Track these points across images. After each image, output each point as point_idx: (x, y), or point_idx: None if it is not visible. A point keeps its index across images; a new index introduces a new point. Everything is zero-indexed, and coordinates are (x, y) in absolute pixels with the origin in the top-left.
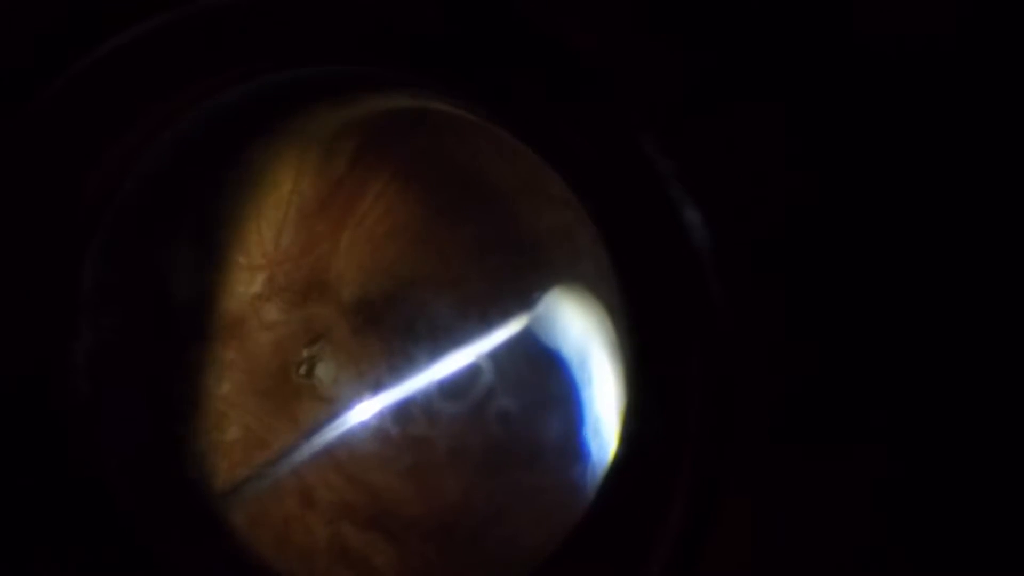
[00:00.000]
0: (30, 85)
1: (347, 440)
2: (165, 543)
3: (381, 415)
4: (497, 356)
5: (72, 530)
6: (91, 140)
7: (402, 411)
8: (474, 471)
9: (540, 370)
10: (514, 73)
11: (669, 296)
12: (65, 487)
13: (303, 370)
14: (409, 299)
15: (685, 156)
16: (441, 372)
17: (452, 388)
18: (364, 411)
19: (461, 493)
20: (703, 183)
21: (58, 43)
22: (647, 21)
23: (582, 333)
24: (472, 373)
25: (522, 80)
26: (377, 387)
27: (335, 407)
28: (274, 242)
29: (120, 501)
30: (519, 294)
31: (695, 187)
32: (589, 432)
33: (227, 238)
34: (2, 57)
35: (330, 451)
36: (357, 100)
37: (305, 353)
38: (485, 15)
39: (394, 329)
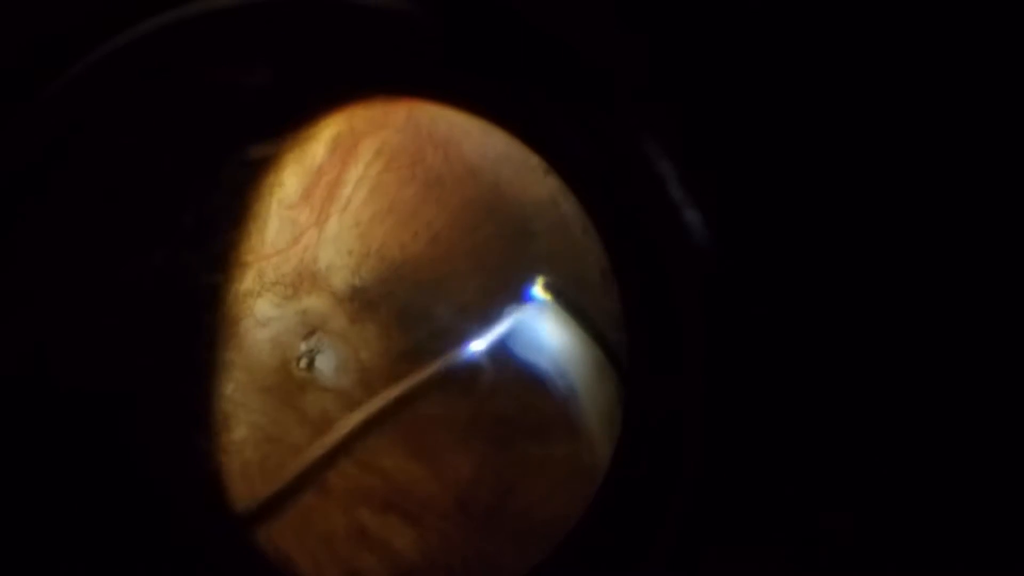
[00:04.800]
0: (30, 85)
1: (356, 426)
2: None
3: (387, 398)
4: (499, 330)
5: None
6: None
7: (407, 393)
8: (484, 445)
9: (543, 343)
10: (514, 73)
11: (668, 296)
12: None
13: (303, 364)
14: (403, 281)
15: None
16: (444, 351)
17: (457, 366)
18: (369, 396)
19: (473, 468)
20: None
21: (58, 43)
22: (647, 21)
23: (577, 306)
24: (476, 349)
25: (522, 80)
26: (380, 372)
27: (340, 397)
28: (259, 236)
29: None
30: (512, 265)
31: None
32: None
33: (217, 237)
34: (2, 57)
35: (340, 439)
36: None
37: (303, 347)
38: (485, 16)
39: (392, 312)
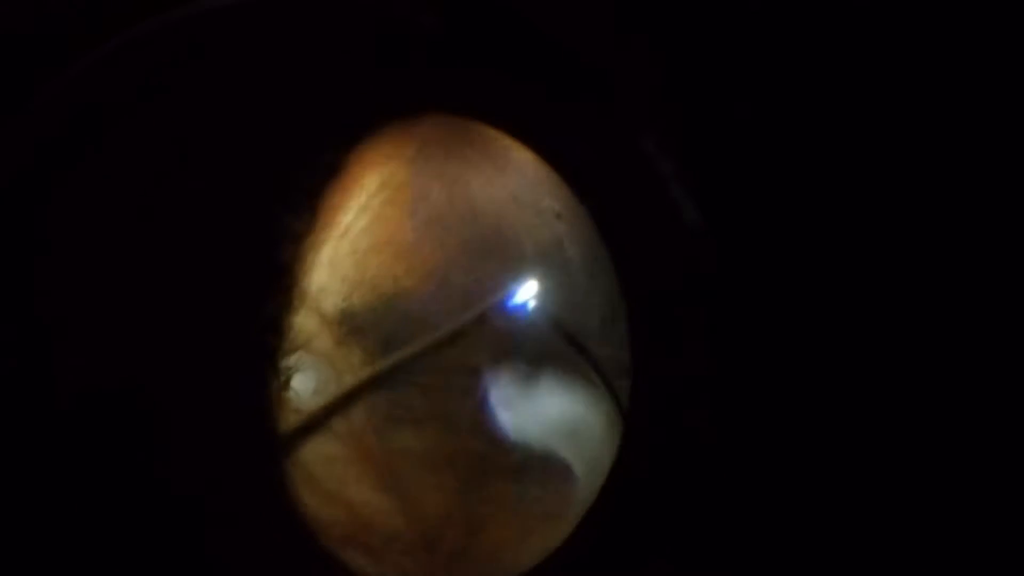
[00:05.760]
0: (30, 84)
1: (323, 455)
2: None
3: (361, 427)
4: (482, 366)
5: None
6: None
7: (384, 423)
8: (456, 483)
9: (527, 381)
10: (514, 73)
11: (669, 298)
12: None
13: (279, 382)
14: (393, 312)
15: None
16: (425, 383)
17: (436, 399)
18: (343, 423)
19: (443, 505)
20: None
21: (58, 43)
22: (647, 21)
23: (572, 346)
24: (457, 383)
25: (522, 80)
26: (359, 398)
27: (312, 420)
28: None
29: None
30: (508, 306)
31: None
32: (578, 443)
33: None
34: (3, 55)
35: (305, 466)
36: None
37: (281, 365)
38: (485, 15)
39: (378, 340)
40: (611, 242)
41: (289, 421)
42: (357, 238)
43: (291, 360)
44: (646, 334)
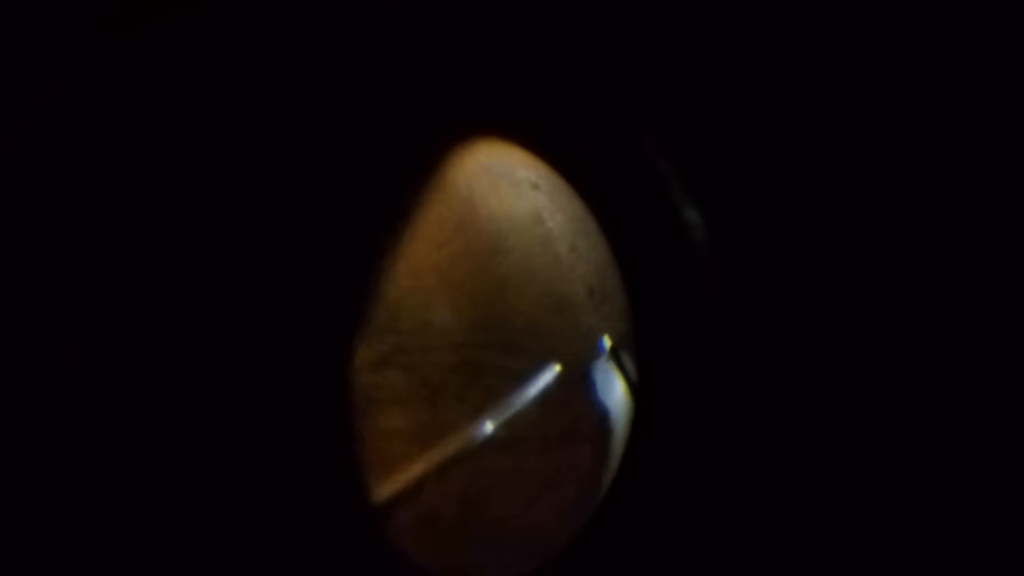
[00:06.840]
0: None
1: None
2: None
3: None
4: (480, 344)
5: None
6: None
7: (370, 405)
8: (448, 459)
9: (526, 357)
10: (514, 73)
11: (670, 297)
12: None
13: None
14: (382, 295)
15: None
16: (408, 363)
17: (420, 378)
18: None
19: (436, 482)
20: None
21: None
22: (649, 21)
23: (562, 320)
24: (458, 362)
25: (522, 80)
26: (344, 382)
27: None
28: None
29: None
30: (479, 281)
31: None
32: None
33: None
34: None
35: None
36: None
37: None
38: (485, 15)
39: (374, 326)
40: (610, 240)
41: None
42: None
43: None
44: (646, 340)
